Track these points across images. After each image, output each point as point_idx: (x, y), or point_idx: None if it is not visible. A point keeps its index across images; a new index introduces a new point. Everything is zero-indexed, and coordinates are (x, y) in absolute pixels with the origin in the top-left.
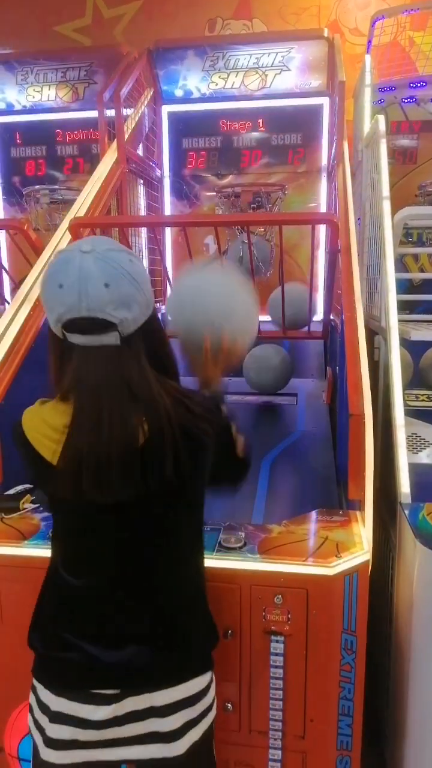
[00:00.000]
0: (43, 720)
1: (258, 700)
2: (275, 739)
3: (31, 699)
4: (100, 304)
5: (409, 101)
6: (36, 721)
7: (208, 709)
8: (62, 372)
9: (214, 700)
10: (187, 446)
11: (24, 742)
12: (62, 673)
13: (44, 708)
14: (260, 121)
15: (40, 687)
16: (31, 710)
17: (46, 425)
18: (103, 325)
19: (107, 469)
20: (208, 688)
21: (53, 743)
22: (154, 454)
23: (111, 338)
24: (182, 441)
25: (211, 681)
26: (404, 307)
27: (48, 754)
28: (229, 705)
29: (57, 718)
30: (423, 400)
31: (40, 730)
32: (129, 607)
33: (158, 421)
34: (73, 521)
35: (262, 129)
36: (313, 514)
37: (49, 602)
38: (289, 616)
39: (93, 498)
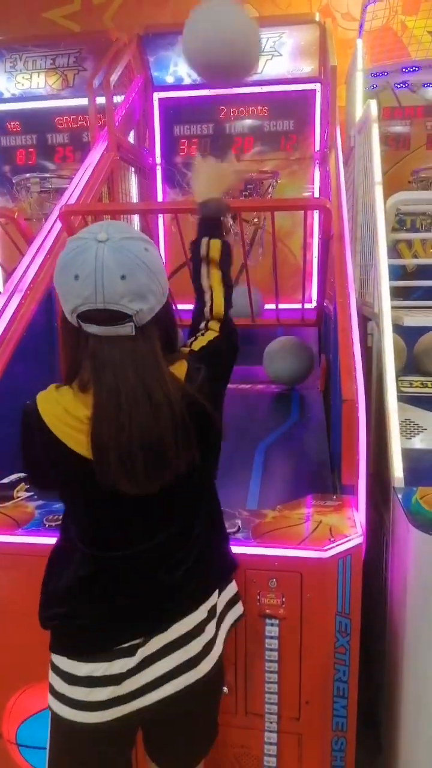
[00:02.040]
0: (74, 690)
1: (254, 683)
2: (271, 722)
3: (52, 677)
4: (116, 296)
5: (402, 86)
6: (62, 695)
7: (224, 614)
8: (77, 360)
9: (233, 598)
10: (199, 427)
11: (23, 728)
12: (85, 638)
13: (72, 678)
14: (252, 107)
15: (62, 659)
16: (53, 689)
17: (68, 415)
18: (119, 317)
19: (131, 463)
20: (218, 594)
21: (90, 706)
22: (174, 443)
23: (126, 329)
24: (195, 423)
25: (222, 585)
26: (399, 294)
27: (86, 717)
28: (225, 688)
29: (90, 682)
30: (417, 387)
31: (71, 701)
32: (154, 571)
33: (171, 412)
34: (95, 503)
35: (254, 115)
36: (307, 499)
37: (67, 577)
38: (284, 599)
39: (124, 490)
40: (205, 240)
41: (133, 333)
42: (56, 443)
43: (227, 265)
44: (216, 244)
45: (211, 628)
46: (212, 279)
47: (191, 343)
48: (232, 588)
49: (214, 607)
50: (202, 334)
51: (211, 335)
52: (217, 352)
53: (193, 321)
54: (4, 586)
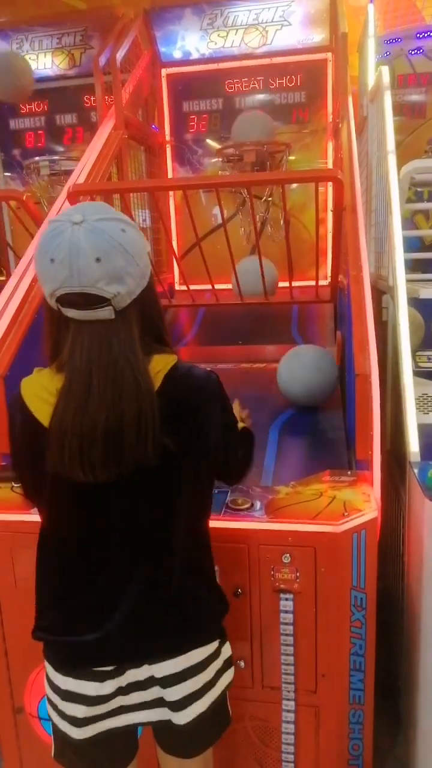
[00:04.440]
0: (56, 698)
1: (270, 657)
2: (288, 695)
3: (45, 678)
4: (91, 279)
5: (417, 53)
6: (50, 700)
7: (215, 679)
8: (58, 343)
9: (223, 669)
10: (177, 419)
11: (44, 702)
12: (64, 655)
13: (55, 688)
14: (262, 80)
15: (49, 668)
16: (46, 687)
17: (43, 389)
18: (96, 300)
19: (89, 449)
20: (212, 657)
21: (69, 719)
22: (135, 434)
23: (105, 312)
24: (171, 415)
25: (216, 651)
26: (417, 267)
27: (67, 729)
28: (242, 662)
29: (68, 696)
30: None
31: (54, 707)
32: (127, 586)
33: (140, 401)
34: (62, 492)
35: (264, 88)
36: (321, 475)
37: (46, 589)
38: (298, 574)
39: (74, 476)
40: None
41: (112, 317)
42: (30, 419)
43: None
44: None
45: (194, 683)
46: None
47: None
48: (226, 650)
49: (204, 663)
50: None
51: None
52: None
53: None
54: (25, 564)
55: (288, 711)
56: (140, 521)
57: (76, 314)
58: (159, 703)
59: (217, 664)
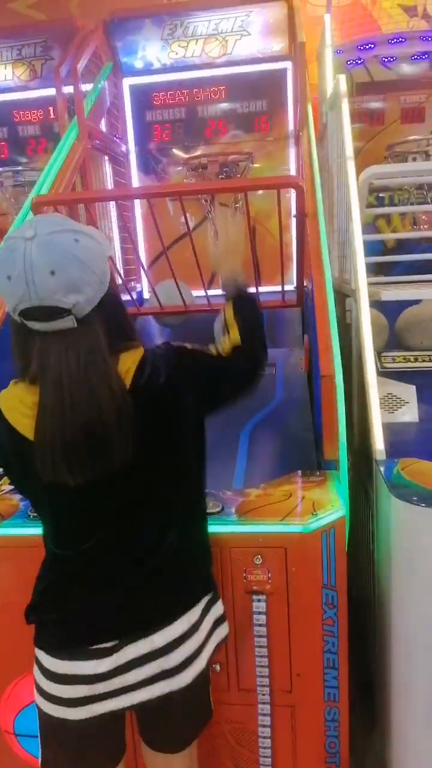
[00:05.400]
0: (51, 685)
1: (244, 660)
2: (263, 695)
3: (35, 671)
4: (48, 292)
5: (374, 61)
6: (43, 690)
7: (208, 636)
8: (25, 355)
9: (219, 618)
10: (154, 410)
11: (20, 717)
12: (60, 635)
13: (50, 674)
14: (224, 89)
15: (42, 654)
16: (36, 681)
17: (21, 403)
18: (56, 312)
19: (74, 453)
20: (205, 612)
21: (67, 702)
22: (116, 435)
23: (67, 322)
24: (148, 408)
25: (209, 604)
26: (380, 271)
27: (65, 713)
28: (217, 666)
29: (65, 679)
30: (400, 362)
31: (50, 696)
32: (121, 569)
33: (115, 402)
34: (56, 497)
35: (226, 97)
36: (290, 476)
37: (45, 575)
38: (270, 575)
39: (64, 480)
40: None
41: (75, 325)
42: (11, 431)
43: (248, 312)
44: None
45: (192, 643)
46: (228, 323)
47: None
48: (218, 607)
49: (197, 623)
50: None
51: (213, 350)
52: (210, 368)
53: None
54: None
55: (264, 712)
56: (134, 511)
57: (40, 326)
58: (159, 676)
59: (210, 620)
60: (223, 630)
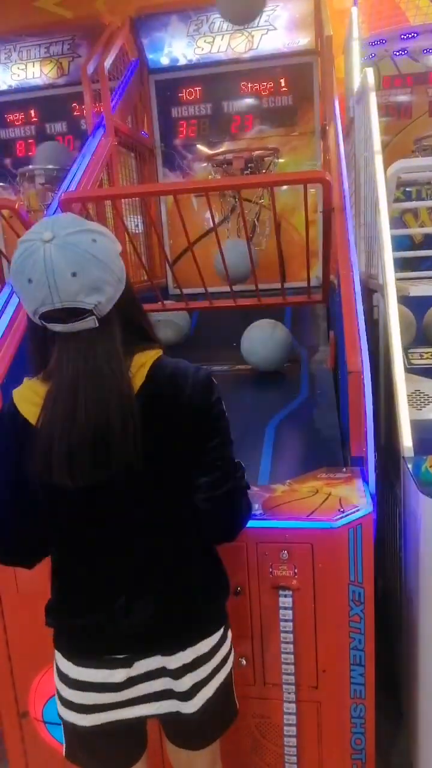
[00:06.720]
0: (65, 688)
1: (270, 654)
2: (289, 691)
3: (54, 668)
4: (71, 294)
5: (401, 54)
6: (57, 691)
7: (221, 665)
8: (43, 354)
9: (229, 653)
10: (160, 416)
11: (48, 705)
12: (76, 641)
13: (64, 677)
14: (250, 84)
15: (59, 656)
16: (55, 678)
17: (35, 395)
18: (78, 313)
19: (78, 455)
20: (219, 645)
21: (77, 708)
22: (121, 436)
23: (89, 323)
24: (154, 411)
25: (223, 637)
26: (408, 266)
27: (74, 718)
28: (243, 660)
29: (77, 685)
30: (427, 358)
31: (63, 698)
32: (135, 580)
33: (124, 403)
34: (65, 504)
35: (252, 92)
36: (317, 473)
37: (60, 580)
38: (296, 570)
39: (63, 482)
40: None
41: (96, 325)
42: (22, 423)
43: None
44: None
45: (202, 671)
46: None
47: None
48: (229, 634)
49: (210, 651)
50: None
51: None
52: (212, 446)
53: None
54: (26, 570)
55: (290, 707)
56: (136, 519)
57: (62, 328)
58: (167, 694)
59: (224, 649)
60: (232, 657)
